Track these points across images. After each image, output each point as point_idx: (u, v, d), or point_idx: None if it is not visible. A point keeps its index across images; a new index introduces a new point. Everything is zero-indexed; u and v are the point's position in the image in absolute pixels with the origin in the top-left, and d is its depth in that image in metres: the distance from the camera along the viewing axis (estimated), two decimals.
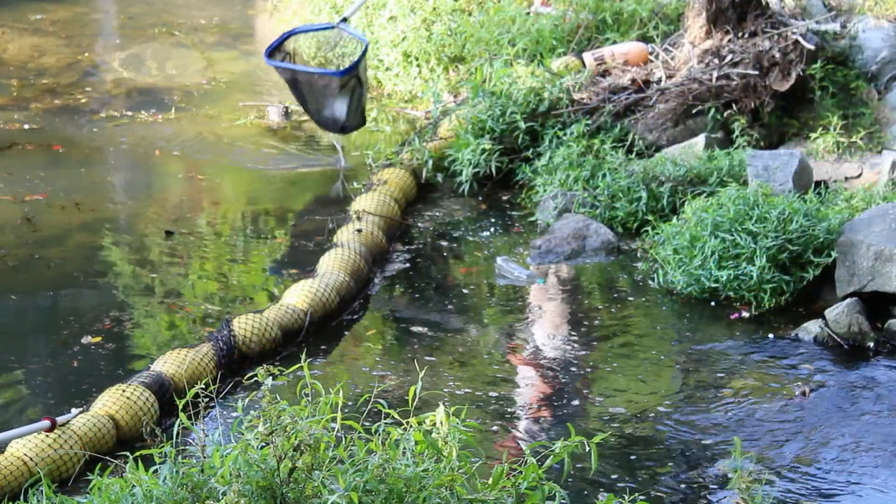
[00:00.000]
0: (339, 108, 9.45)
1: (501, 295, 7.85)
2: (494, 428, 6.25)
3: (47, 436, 5.67)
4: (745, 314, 7.52)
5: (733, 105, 9.37)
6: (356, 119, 9.63)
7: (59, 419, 5.75)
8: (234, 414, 5.86)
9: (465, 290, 7.90)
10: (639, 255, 8.29)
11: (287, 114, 10.77)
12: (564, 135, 9.26)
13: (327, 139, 10.41)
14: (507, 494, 4.30)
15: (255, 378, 4.42)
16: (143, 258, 8.15)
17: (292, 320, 7.07)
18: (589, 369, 6.96)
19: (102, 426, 5.91)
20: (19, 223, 8.50)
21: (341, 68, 9.78)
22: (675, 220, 8.13)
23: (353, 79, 9.37)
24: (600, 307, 7.72)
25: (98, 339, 7.02)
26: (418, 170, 9.31)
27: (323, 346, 7.09)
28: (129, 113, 10.85)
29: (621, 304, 7.76)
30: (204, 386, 4.42)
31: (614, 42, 10.32)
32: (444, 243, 8.59)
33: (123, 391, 6.10)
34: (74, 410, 5.93)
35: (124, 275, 7.91)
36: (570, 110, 9.47)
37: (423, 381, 4.50)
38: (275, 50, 9.55)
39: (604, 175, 8.74)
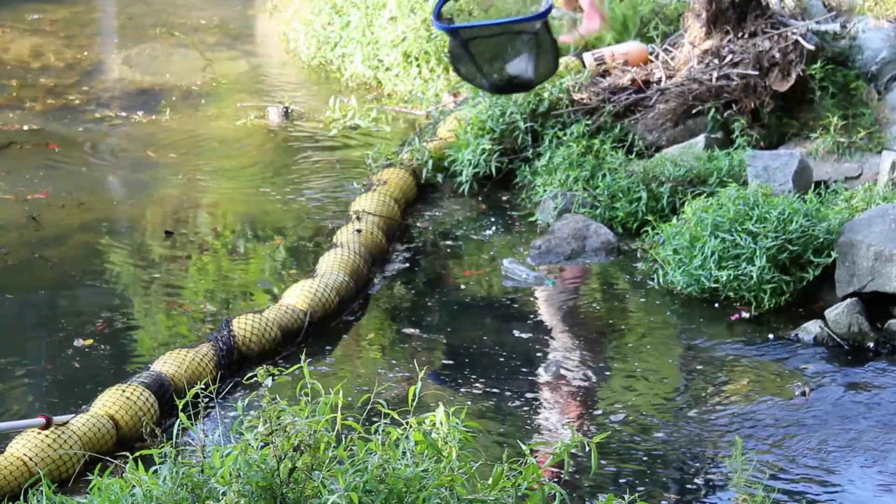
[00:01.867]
0: (529, 62, 8.70)
1: (501, 295, 7.84)
2: (494, 428, 6.25)
3: (47, 436, 5.66)
4: (745, 314, 7.52)
5: (733, 105, 9.36)
6: (548, 68, 8.81)
7: (56, 419, 5.75)
8: (233, 413, 5.86)
9: (464, 291, 7.90)
10: (639, 255, 8.29)
11: (287, 114, 10.76)
12: (564, 135, 9.26)
13: (327, 140, 10.40)
14: (507, 494, 4.30)
15: (255, 378, 4.42)
16: (143, 258, 8.15)
17: (292, 320, 7.07)
18: (589, 369, 6.96)
19: (102, 426, 5.91)
20: (24, 222, 8.50)
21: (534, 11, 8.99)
22: (675, 220, 8.12)
23: (544, 24, 8.65)
24: (600, 307, 7.72)
25: (96, 339, 7.02)
26: (418, 170, 9.31)
27: (322, 347, 7.09)
28: (129, 113, 10.85)
29: (621, 304, 7.76)
30: (204, 386, 4.42)
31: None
32: (444, 243, 8.59)
33: (123, 391, 6.10)
34: (69, 415, 5.91)
35: (124, 274, 7.92)
36: (570, 110, 9.47)
37: (422, 382, 4.50)
38: (440, 14, 8.75)
39: (604, 175, 8.73)
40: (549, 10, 8.57)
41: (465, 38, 8.61)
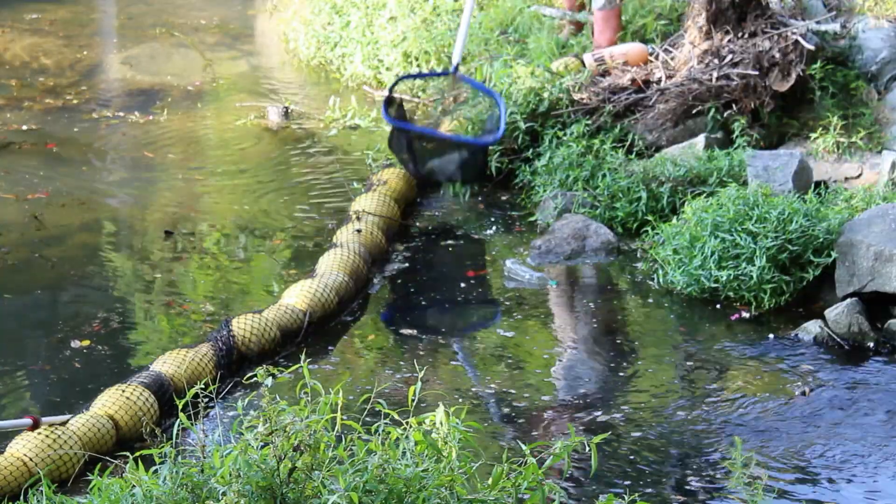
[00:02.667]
0: (459, 167, 8.94)
1: (500, 295, 7.84)
2: (494, 428, 6.24)
3: (47, 436, 5.66)
4: (745, 314, 7.51)
5: (733, 105, 9.36)
6: (476, 175, 9.04)
7: (44, 420, 5.75)
8: (232, 413, 5.86)
9: (464, 291, 7.89)
10: (639, 255, 8.29)
11: (287, 114, 10.76)
12: (564, 135, 9.25)
13: (327, 140, 10.41)
14: (507, 494, 4.30)
15: (255, 378, 4.42)
16: (143, 258, 8.15)
17: (291, 320, 7.07)
18: (589, 369, 6.96)
19: (102, 426, 5.90)
20: (25, 221, 8.51)
21: (483, 132, 9.03)
22: (675, 220, 8.12)
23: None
24: (600, 307, 7.72)
25: (95, 339, 7.02)
26: None
27: (322, 347, 7.09)
28: (128, 113, 10.85)
29: (621, 304, 7.76)
30: (203, 386, 4.42)
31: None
32: (444, 243, 8.58)
33: (123, 391, 6.10)
34: (64, 416, 5.91)
35: (124, 274, 7.91)
36: (570, 110, 9.46)
37: (422, 382, 4.50)
38: (389, 102, 8.97)
39: (604, 175, 8.73)
40: (497, 140, 8.82)
41: (411, 136, 8.94)
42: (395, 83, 9.13)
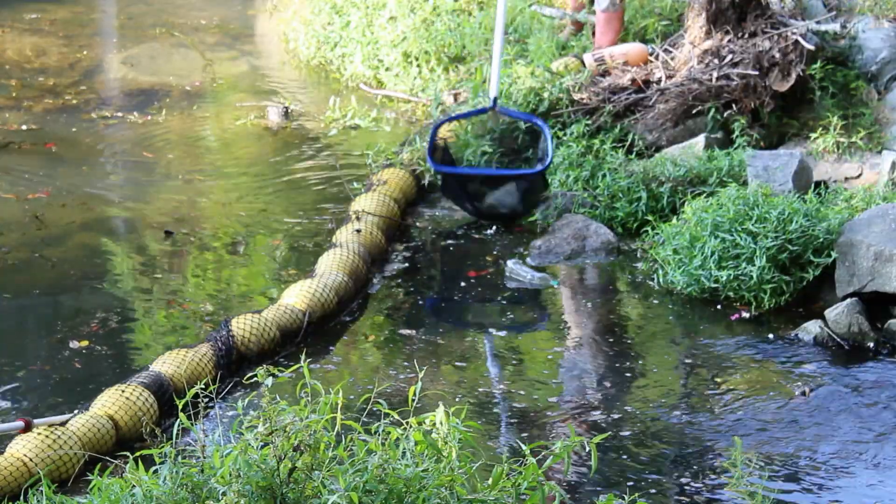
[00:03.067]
0: (520, 195, 8.65)
1: (500, 295, 7.84)
2: (494, 428, 6.24)
3: (47, 436, 5.66)
4: (745, 314, 7.51)
5: (733, 105, 9.36)
6: (529, 205, 8.73)
7: (40, 420, 5.75)
8: (231, 413, 5.86)
9: (464, 291, 7.89)
10: (639, 255, 8.29)
11: (287, 114, 10.76)
12: (564, 135, 9.25)
13: (327, 140, 10.41)
14: (507, 494, 4.30)
15: (255, 378, 4.42)
16: (143, 258, 8.15)
17: (291, 320, 7.07)
18: (589, 369, 6.96)
19: (101, 426, 5.90)
20: (26, 221, 8.51)
21: (526, 164, 8.77)
22: (675, 220, 8.12)
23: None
24: (600, 307, 7.72)
25: (95, 339, 7.02)
26: (420, 172, 9.29)
27: (322, 347, 7.09)
28: (128, 113, 10.84)
29: (621, 304, 7.76)
30: (203, 386, 4.42)
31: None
32: (444, 244, 8.58)
33: (122, 391, 6.10)
34: (60, 417, 5.91)
35: (123, 274, 7.91)
36: (570, 110, 9.46)
37: (422, 382, 4.50)
38: (433, 148, 8.67)
39: (604, 175, 8.73)
40: (548, 166, 8.49)
41: (460, 179, 8.57)
42: (437, 128, 8.75)
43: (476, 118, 8.89)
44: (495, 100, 8.58)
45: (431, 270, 8.17)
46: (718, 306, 7.60)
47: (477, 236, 8.66)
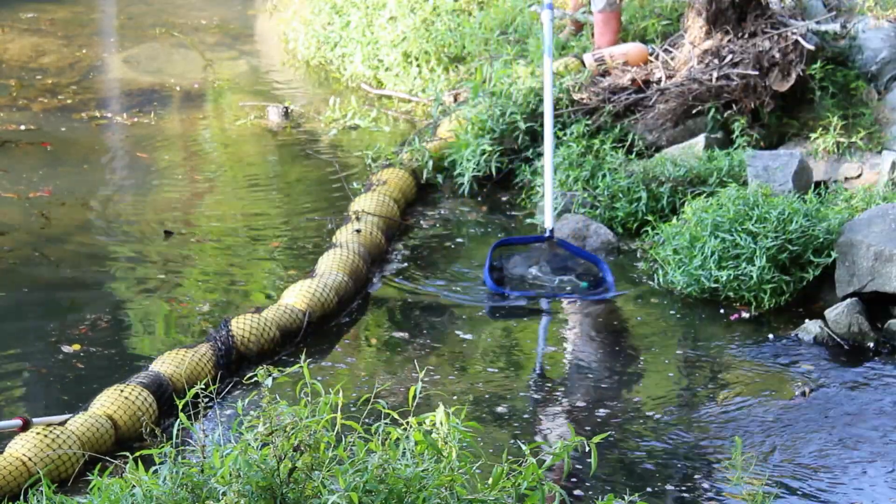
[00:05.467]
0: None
1: (500, 294, 7.83)
2: (493, 428, 6.24)
3: (46, 436, 5.66)
4: (745, 314, 7.51)
5: (733, 105, 9.36)
6: None
7: (39, 420, 5.74)
8: (229, 412, 5.85)
9: (463, 291, 7.89)
10: (639, 255, 8.29)
11: (287, 114, 10.76)
12: (564, 135, 9.25)
13: (327, 140, 10.41)
14: (507, 494, 4.29)
15: (255, 378, 4.41)
16: (142, 257, 8.14)
17: (291, 320, 7.06)
18: (589, 369, 6.96)
19: (101, 426, 5.90)
20: (26, 220, 8.51)
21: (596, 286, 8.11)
22: (675, 220, 8.12)
23: None
24: (600, 307, 7.71)
25: (94, 339, 7.01)
26: (418, 170, 9.30)
27: (321, 347, 7.09)
28: (128, 113, 10.84)
29: (621, 304, 7.75)
30: (203, 386, 4.42)
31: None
32: (444, 244, 8.58)
33: (122, 391, 6.10)
34: (59, 416, 5.90)
35: (123, 274, 7.91)
36: (570, 110, 9.46)
37: (422, 382, 4.50)
38: (491, 269, 8.07)
39: (604, 175, 8.73)
40: (608, 297, 7.92)
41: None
42: (494, 250, 8.19)
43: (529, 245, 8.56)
44: (552, 231, 8.24)
45: (431, 270, 8.17)
46: (718, 306, 7.60)
47: (476, 236, 8.66)
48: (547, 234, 8.15)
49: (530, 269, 8.11)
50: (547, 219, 8.15)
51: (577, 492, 5.65)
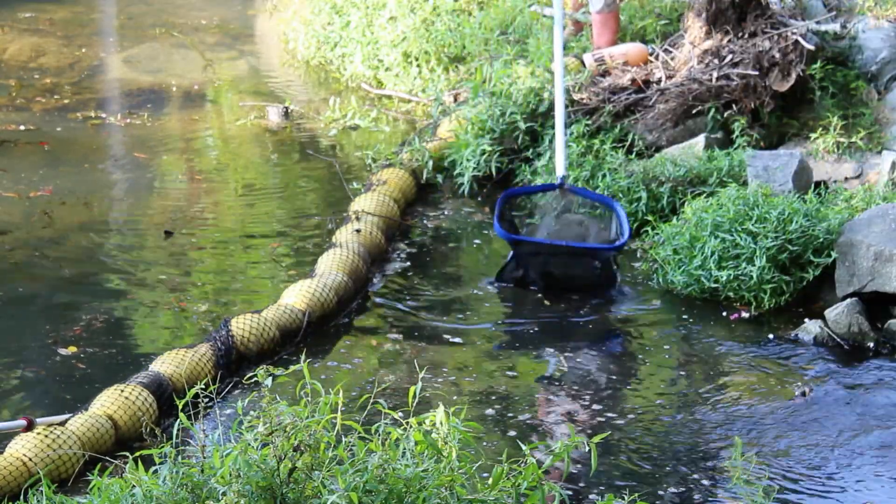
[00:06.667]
0: (592, 275, 7.93)
1: (500, 295, 7.84)
2: (493, 428, 6.24)
3: (46, 436, 5.66)
4: (745, 314, 7.51)
5: (733, 105, 9.36)
6: (610, 283, 7.98)
7: (39, 420, 5.75)
8: (229, 412, 5.85)
9: (463, 291, 7.89)
10: (639, 255, 8.29)
11: (287, 114, 10.76)
12: (564, 135, 9.24)
13: (327, 140, 10.41)
14: (507, 494, 4.29)
15: (255, 378, 4.41)
16: (143, 257, 8.14)
17: (290, 320, 7.06)
18: (588, 369, 6.96)
19: (101, 426, 5.90)
20: (31, 220, 8.51)
21: (608, 239, 8.09)
22: (674, 220, 8.12)
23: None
24: (600, 307, 7.71)
25: (95, 339, 7.01)
26: (418, 170, 9.30)
27: (321, 347, 7.09)
28: (128, 113, 10.84)
29: (621, 304, 7.75)
30: (203, 386, 4.42)
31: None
32: (444, 244, 8.58)
33: (122, 391, 6.10)
34: (60, 416, 5.90)
35: (123, 274, 7.91)
36: (570, 110, 9.46)
37: (422, 382, 4.50)
38: (501, 216, 8.00)
39: (604, 175, 8.73)
40: (624, 244, 7.88)
41: (528, 251, 7.90)
42: (505, 199, 8.15)
43: (542, 194, 8.47)
44: (563, 178, 8.21)
45: (431, 270, 8.17)
46: (718, 306, 7.60)
47: (476, 236, 8.66)
48: (559, 181, 8.16)
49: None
50: (559, 166, 8.17)
51: (577, 492, 5.65)
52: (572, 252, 7.92)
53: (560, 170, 8.16)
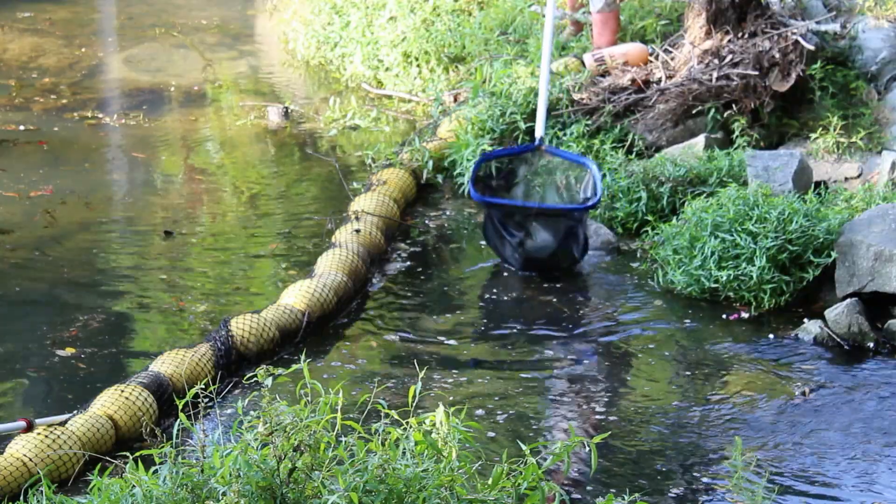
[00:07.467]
0: (564, 236, 8.02)
1: (500, 295, 7.83)
2: (493, 428, 6.24)
3: (46, 436, 5.66)
4: (745, 314, 7.51)
5: (733, 105, 9.36)
6: (584, 245, 8.11)
7: (38, 421, 5.75)
8: (229, 411, 5.86)
9: (464, 291, 7.89)
10: (639, 255, 8.29)
11: (287, 114, 10.76)
12: (564, 135, 9.25)
13: (327, 140, 10.41)
14: (507, 494, 4.29)
15: (255, 378, 4.41)
16: (142, 257, 8.15)
17: (290, 321, 7.06)
18: (589, 369, 6.96)
19: (101, 426, 5.90)
20: (31, 219, 8.51)
21: (576, 199, 8.20)
22: (674, 220, 8.12)
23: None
24: (599, 307, 7.71)
25: (94, 339, 7.02)
26: (418, 170, 9.30)
27: (321, 347, 7.09)
28: (128, 113, 10.85)
29: (621, 304, 7.75)
30: (203, 386, 4.42)
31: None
32: (444, 244, 8.58)
33: (122, 391, 6.10)
34: (60, 416, 5.91)
35: (123, 274, 7.91)
36: (570, 111, 9.46)
37: (422, 382, 4.50)
38: (476, 181, 8.13)
39: (604, 175, 8.73)
40: (598, 203, 8.00)
41: (501, 213, 8.01)
42: (480, 163, 8.26)
43: (519, 155, 8.52)
44: (541, 139, 8.24)
45: (431, 270, 8.17)
46: (718, 306, 7.60)
47: (473, 239, 8.66)
48: (537, 141, 8.19)
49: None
50: (538, 127, 8.21)
51: (577, 492, 5.65)
52: (543, 213, 7.99)
53: (539, 131, 8.23)
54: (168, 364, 6.42)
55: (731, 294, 7.58)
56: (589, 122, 9.35)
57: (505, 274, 8.06)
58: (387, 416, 4.39)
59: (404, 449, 4.31)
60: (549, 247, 8.10)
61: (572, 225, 8.05)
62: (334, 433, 4.32)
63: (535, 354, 7.13)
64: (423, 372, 4.73)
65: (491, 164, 8.33)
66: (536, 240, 8.09)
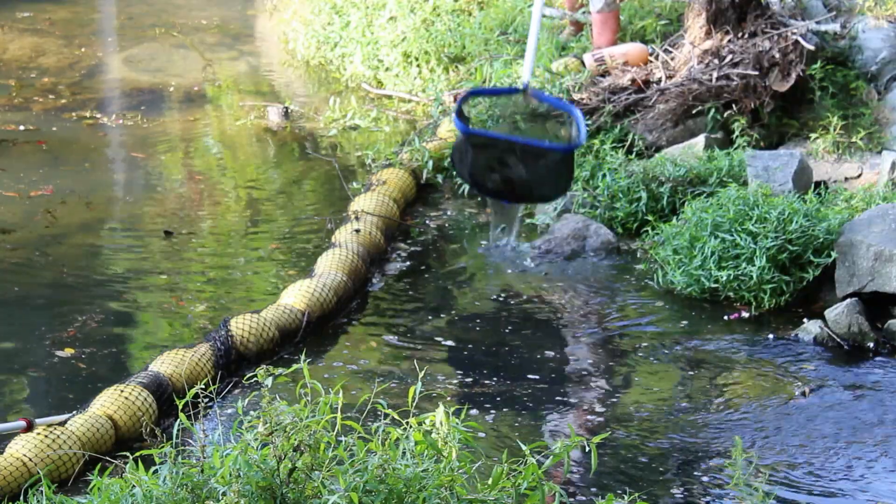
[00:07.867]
0: (548, 176, 8.03)
1: (500, 295, 7.84)
2: (493, 428, 6.24)
3: (46, 436, 5.66)
4: (745, 314, 7.51)
5: (733, 105, 9.36)
6: (566, 185, 7.90)
7: (38, 421, 5.75)
8: (229, 411, 5.85)
9: (463, 291, 7.89)
10: (639, 255, 8.29)
11: (287, 114, 10.76)
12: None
13: (327, 140, 10.41)
14: (507, 494, 4.29)
15: (254, 378, 4.41)
16: (142, 257, 8.14)
17: (290, 320, 7.06)
18: (589, 370, 6.96)
19: (101, 426, 5.90)
20: (32, 219, 8.51)
21: (559, 139, 8.04)
22: (674, 220, 8.12)
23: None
24: (600, 307, 7.71)
25: (94, 339, 7.01)
26: (418, 170, 9.30)
27: (321, 347, 7.09)
28: (128, 113, 10.84)
29: (621, 304, 7.75)
30: (203, 386, 4.42)
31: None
32: (444, 244, 8.58)
33: (121, 391, 6.10)
34: (60, 416, 5.91)
35: (123, 274, 7.91)
36: None
37: (422, 382, 4.50)
38: (460, 114, 7.67)
39: (604, 175, 8.73)
40: (581, 144, 8.08)
41: (477, 143, 7.66)
42: (465, 98, 8.04)
43: (504, 97, 8.52)
44: (527, 83, 8.24)
45: (431, 270, 8.17)
46: (718, 306, 7.60)
47: (473, 239, 8.66)
48: (523, 85, 8.14)
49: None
50: (525, 72, 8.16)
51: (577, 492, 5.65)
52: (525, 150, 7.95)
53: (526, 75, 8.18)
54: (168, 364, 6.42)
55: (731, 294, 7.58)
56: (589, 122, 9.35)
57: (505, 274, 8.05)
58: (387, 416, 4.39)
59: (404, 449, 4.31)
60: (526, 182, 8.12)
61: (559, 164, 8.05)
62: (334, 433, 4.31)
63: (535, 354, 7.13)
64: (423, 372, 4.73)
65: (476, 101, 8.33)
66: (514, 175, 8.10)
